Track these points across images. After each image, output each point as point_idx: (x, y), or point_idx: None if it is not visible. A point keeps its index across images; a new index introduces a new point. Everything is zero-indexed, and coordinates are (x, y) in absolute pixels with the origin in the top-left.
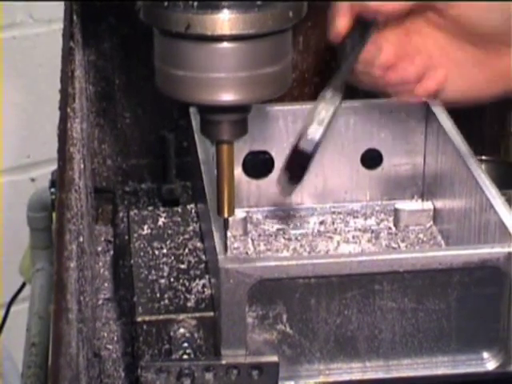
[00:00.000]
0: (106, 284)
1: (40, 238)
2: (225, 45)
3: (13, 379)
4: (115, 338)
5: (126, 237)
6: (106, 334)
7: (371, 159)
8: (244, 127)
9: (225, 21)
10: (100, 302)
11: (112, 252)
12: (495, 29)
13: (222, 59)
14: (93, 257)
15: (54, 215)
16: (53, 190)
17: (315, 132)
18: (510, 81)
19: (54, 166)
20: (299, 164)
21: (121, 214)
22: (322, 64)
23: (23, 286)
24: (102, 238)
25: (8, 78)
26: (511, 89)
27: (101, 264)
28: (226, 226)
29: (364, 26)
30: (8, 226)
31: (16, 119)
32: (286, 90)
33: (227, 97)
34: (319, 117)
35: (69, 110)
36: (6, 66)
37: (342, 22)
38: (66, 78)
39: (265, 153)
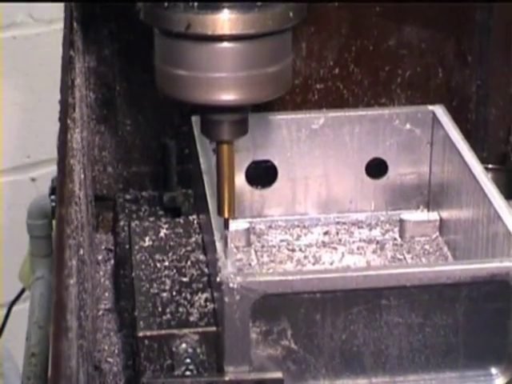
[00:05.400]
0: (106, 294)
1: (40, 246)
2: (225, 45)
3: (13, 379)
4: (116, 351)
5: (127, 246)
6: (106, 347)
7: (376, 168)
8: (244, 127)
9: (225, 21)
10: (100, 312)
11: (113, 261)
12: None
13: (222, 59)
14: (93, 266)
15: (53, 223)
16: (53, 197)
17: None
18: None
19: (54, 166)
20: None
21: (121, 223)
22: (325, 70)
23: (23, 291)
24: (103, 247)
25: (8, 77)
26: None
27: (101, 273)
28: (226, 225)
29: None
30: (8, 226)
31: (16, 119)
32: (286, 90)
33: (227, 97)
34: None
35: (69, 121)
36: (6, 65)
37: None
38: (66, 88)
39: (268, 162)
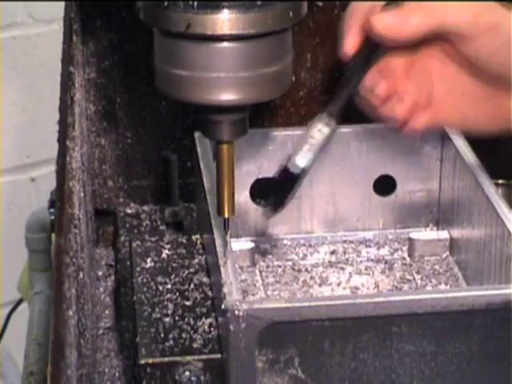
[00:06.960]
0: (106, 311)
1: (38, 260)
2: (225, 44)
3: (13, 379)
4: (117, 374)
5: (128, 263)
6: (107, 370)
7: (384, 186)
8: (244, 127)
9: (225, 20)
10: (101, 331)
11: (113, 277)
12: (503, 70)
13: (222, 59)
14: (93, 283)
15: (52, 236)
16: (52, 210)
17: (303, 158)
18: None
19: (54, 166)
20: (284, 186)
21: (122, 238)
22: (330, 82)
23: (21, 300)
24: (103, 262)
25: (8, 78)
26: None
27: (101, 290)
28: (226, 226)
29: (372, 48)
30: (8, 226)
31: (16, 119)
32: (286, 90)
33: (227, 97)
34: (310, 142)
35: (68, 142)
36: (5, 65)
37: (350, 42)
38: (65, 107)
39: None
